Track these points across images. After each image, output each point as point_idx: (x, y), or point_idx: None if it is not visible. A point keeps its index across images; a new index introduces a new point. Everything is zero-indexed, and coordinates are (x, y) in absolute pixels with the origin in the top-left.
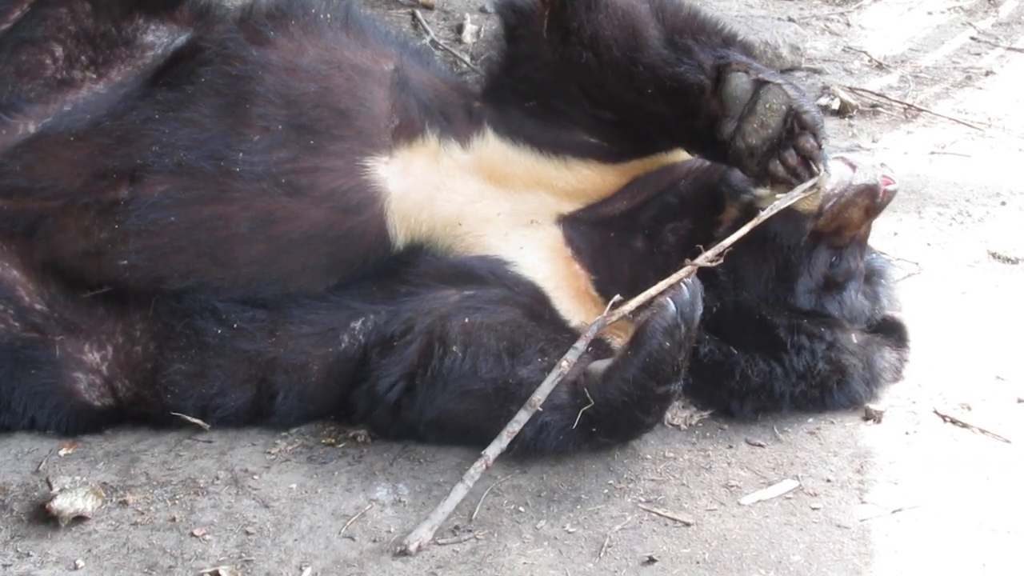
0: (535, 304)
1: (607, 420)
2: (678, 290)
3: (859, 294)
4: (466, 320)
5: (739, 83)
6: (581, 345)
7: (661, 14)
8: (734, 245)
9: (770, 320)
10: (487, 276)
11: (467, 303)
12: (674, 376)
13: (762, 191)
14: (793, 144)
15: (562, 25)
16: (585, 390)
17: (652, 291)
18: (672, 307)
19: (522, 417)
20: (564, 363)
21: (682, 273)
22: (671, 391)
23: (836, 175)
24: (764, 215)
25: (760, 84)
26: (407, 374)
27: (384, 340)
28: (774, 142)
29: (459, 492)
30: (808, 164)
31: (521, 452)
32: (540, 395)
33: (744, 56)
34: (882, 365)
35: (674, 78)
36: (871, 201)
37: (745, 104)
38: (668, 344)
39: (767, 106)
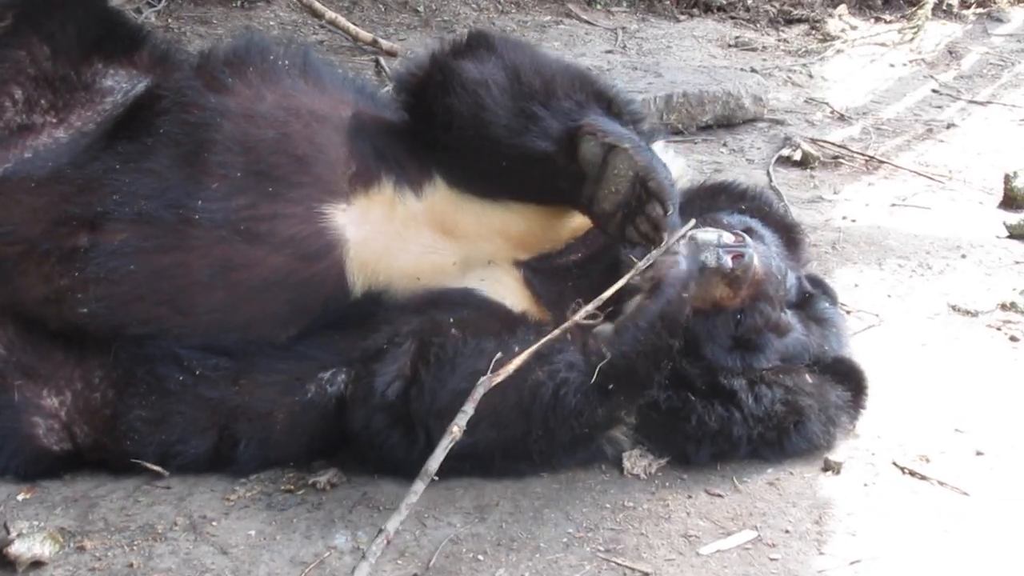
0: (515, 314)
1: (623, 374)
2: (680, 249)
3: (789, 340)
4: (453, 318)
5: (589, 148)
6: (559, 330)
7: (516, 82)
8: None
9: (726, 373)
10: (459, 299)
11: (449, 313)
12: (680, 328)
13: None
14: (642, 210)
15: (427, 109)
16: (600, 347)
17: (606, 294)
18: (683, 260)
19: (477, 394)
20: (548, 337)
21: (558, 332)
22: (676, 345)
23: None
24: (619, 284)
25: (608, 148)
26: (404, 373)
27: (370, 355)
28: (625, 209)
29: (403, 511)
30: (657, 232)
31: (540, 417)
32: (516, 363)
33: (600, 115)
34: (838, 404)
35: (519, 148)
36: (727, 278)
37: (597, 169)
38: (684, 295)
39: (615, 172)
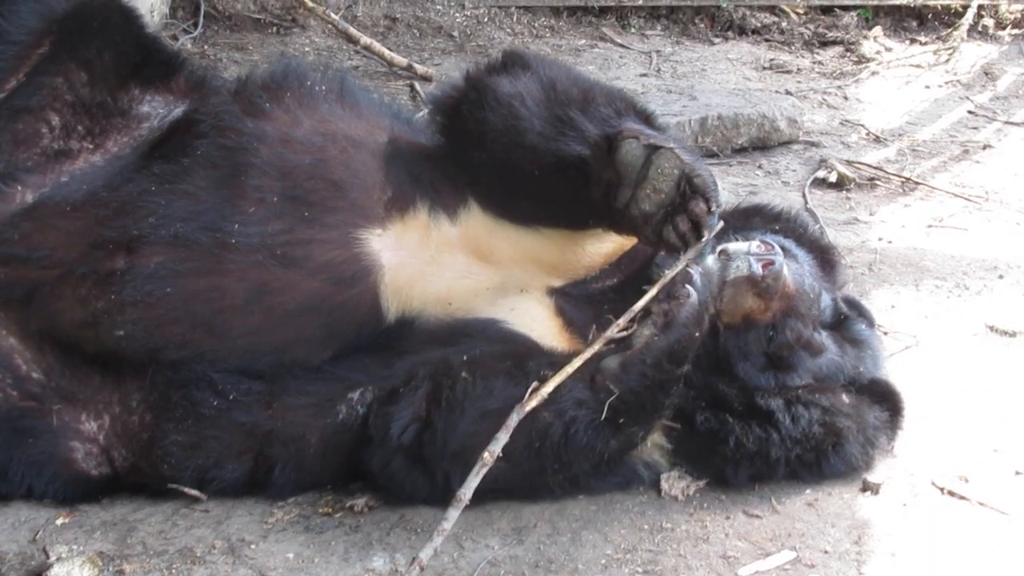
0: (531, 346)
1: (632, 407)
2: (694, 280)
3: (823, 360)
4: (465, 357)
5: (630, 149)
6: (586, 356)
7: (551, 93)
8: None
9: (762, 394)
10: (481, 331)
11: (464, 348)
12: (690, 355)
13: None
14: (685, 208)
15: (461, 127)
16: (607, 383)
17: (638, 305)
18: (695, 296)
19: (512, 421)
20: (570, 367)
21: (580, 361)
22: (686, 371)
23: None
24: (638, 305)
25: (652, 149)
26: (419, 416)
27: (387, 395)
28: (668, 208)
29: (451, 518)
30: (697, 230)
31: (551, 457)
32: (546, 389)
33: (639, 124)
34: (876, 425)
35: (553, 153)
36: (757, 287)
37: (638, 171)
38: (696, 333)
39: (659, 171)
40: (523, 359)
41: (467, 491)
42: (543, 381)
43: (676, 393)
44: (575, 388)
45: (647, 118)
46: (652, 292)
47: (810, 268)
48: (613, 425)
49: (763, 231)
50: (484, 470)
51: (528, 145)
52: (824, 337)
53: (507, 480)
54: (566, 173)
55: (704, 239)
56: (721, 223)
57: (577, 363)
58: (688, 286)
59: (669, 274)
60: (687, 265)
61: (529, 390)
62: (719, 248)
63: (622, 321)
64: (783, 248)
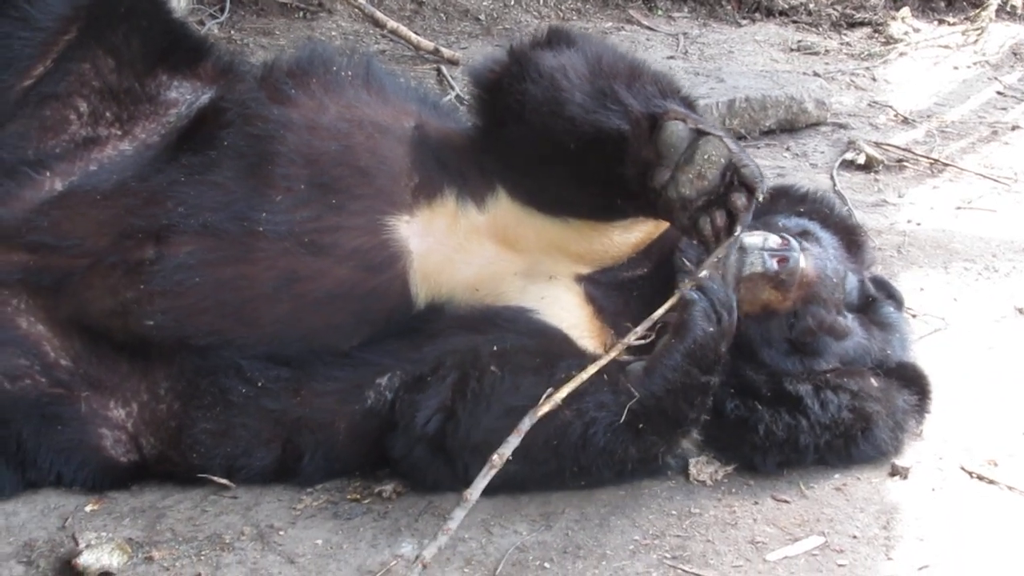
0: (561, 340)
1: (653, 414)
2: (701, 282)
3: (848, 344)
4: (495, 347)
5: (676, 131)
6: (608, 357)
7: (597, 66)
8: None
9: (790, 379)
10: (511, 321)
11: (493, 338)
12: (715, 364)
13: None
14: (727, 200)
15: (500, 101)
16: (629, 386)
17: (657, 314)
18: (699, 297)
19: (525, 425)
20: (591, 369)
21: (596, 367)
22: (712, 382)
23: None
24: (659, 312)
25: (700, 134)
26: (444, 406)
27: (414, 381)
28: (710, 196)
29: (456, 518)
30: (731, 227)
31: (569, 457)
32: (562, 394)
33: (684, 108)
34: (904, 410)
35: (592, 124)
36: (773, 282)
37: (682, 153)
38: (711, 329)
39: (706, 157)
40: (554, 358)
41: (474, 492)
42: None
43: (700, 406)
44: (599, 390)
45: (690, 104)
46: (672, 300)
47: (834, 251)
48: (633, 430)
49: (788, 214)
50: (493, 472)
51: (568, 116)
52: (850, 320)
53: (525, 478)
54: (603, 148)
55: (734, 235)
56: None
57: (593, 369)
58: (692, 292)
59: (688, 280)
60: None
61: (544, 395)
62: (736, 238)
63: (640, 329)
64: (806, 232)
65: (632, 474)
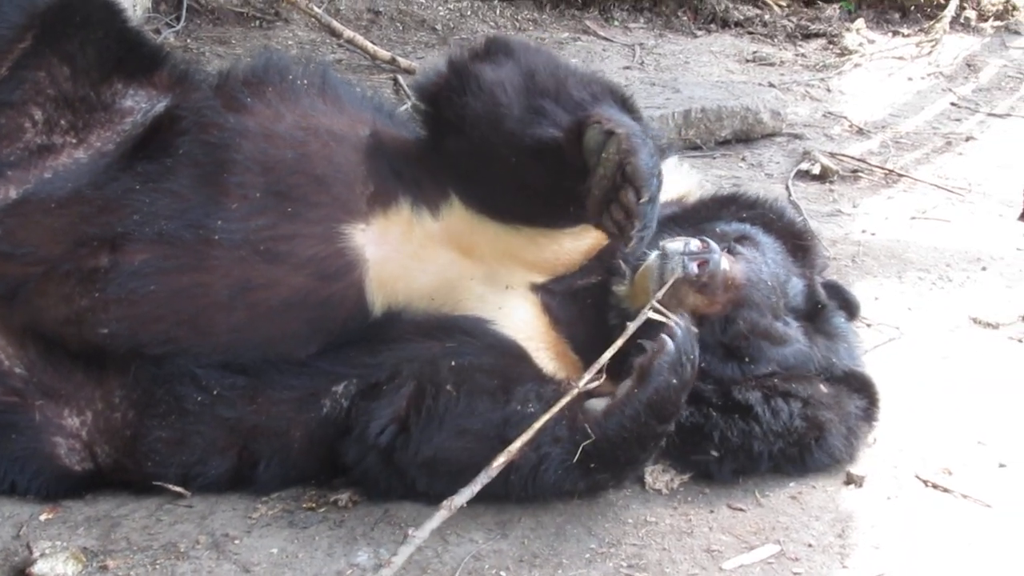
0: (519, 357)
1: (607, 456)
2: (671, 330)
3: (788, 350)
4: (454, 363)
5: (593, 134)
6: (562, 403)
7: (531, 82)
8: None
9: (738, 387)
10: (468, 332)
11: (452, 351)
12: (674, 414)
13: (621, 288)
14: (616, 197)
15: (442, 113)
16: (585, 426)
17: (616, 344)
18: (671, 344)
19: (498, 462)
20: (547, 415)
21: (555, 410)
22: (668, 430)
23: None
24: (630, 329)
25: (609, 135)
26: (399, 417)
27: (370, 388)
28: (608, 193)
29: (415, 542)
30: (631, 222)
31: (518, 487)
32: (519, 443)
33: (613, 109)
34: (857, 416)
35: (530, 138)
36: (695, 285)
37: (597, 156)
38: (674, 381)
39: (606, 155)
40: (511, 382)
41: (423, 532)
42: (524, 413)
43: (653, 448)
44: (556, 423)
45: (624, 102)
46: (621, 339)
47: (774, 255)
48: (584, 468)
49: (729, 220)
50: (443, 517)
51: (507, 131)
52: (792, 327)
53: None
54: (543, 159)
55: (636, 229)
56: (680, 232)
57: (547, 416)
58: (665, 336)
59: (638, 319)
60: (670, 318)
61: (500, 457)
62: (660, 245)
63: (589, 373)
64: (744, 236)
65: (579, 501)
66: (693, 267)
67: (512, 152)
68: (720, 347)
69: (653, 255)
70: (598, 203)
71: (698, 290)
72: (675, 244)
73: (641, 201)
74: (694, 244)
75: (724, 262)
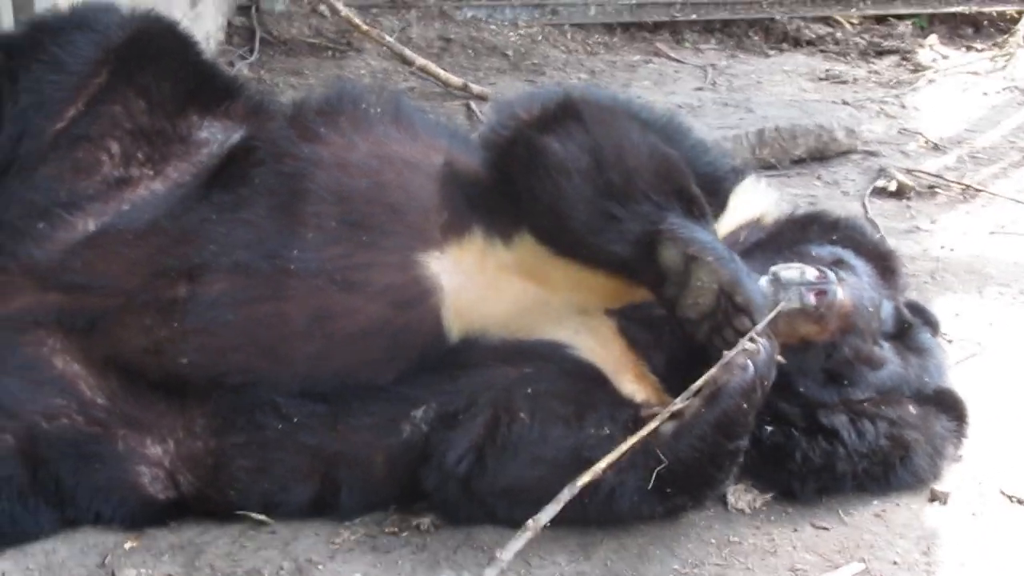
0: (596, 381)
1: (681, 478)
2: (755, 355)
3: (884, 373)
4: (529, 390)
5: (669, 253)
6: (651, 426)
7: (599, 169)
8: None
9: (825, 410)
10: (545, 355)
11: (529, 377)
12: (745, 432)
13: None
14: (729, 324)
15: (510, 176)
16: (656, 450)
17: (712, 371)
18: (751, 369)
19: (583, 480)
20: (635, 438)
21: (635, 439)
22: (741, 446)
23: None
24: (728, 356)
25: (690, 260)
26: (475, 446)
27: (447, 416)
28: (712, 320)
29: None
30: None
31: (595, 514)
32: (604, 463)
33: (681, 215)
34: (943, 436)
35: (599, 247)
36: (811, 316)
37: (680, 275)
38: (745, 404)
39: (699, 282)
40: (585, 409)
41: (508, 553)
42: (599, 436)
43: (730, 467)
44: (630, 449)
45: (691, 201)
46: (712, 371)
47: (869, 279)
48: (660, 494)
49: (820, 242)
50: (527, 537)
51: (573, 230)
52: (886, 349)
53: (555, 519)
54: (606, 263)
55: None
56: (769, 256)
57: (627, 445)
58: (748, 360)
59: (729, 354)
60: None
61: (585, 476)
62: (772, 271)
63: (680, 400)
64: (840, 261)
65: (660, 523)
66: (811, 298)
67: (580, 247)
68: (822, 373)
69: (763, 280)
70: (696, 324)
71: (814, 321)
72: (790, 272)
73: (755, 319)
74: (810, 273)
75: (839, 291)
